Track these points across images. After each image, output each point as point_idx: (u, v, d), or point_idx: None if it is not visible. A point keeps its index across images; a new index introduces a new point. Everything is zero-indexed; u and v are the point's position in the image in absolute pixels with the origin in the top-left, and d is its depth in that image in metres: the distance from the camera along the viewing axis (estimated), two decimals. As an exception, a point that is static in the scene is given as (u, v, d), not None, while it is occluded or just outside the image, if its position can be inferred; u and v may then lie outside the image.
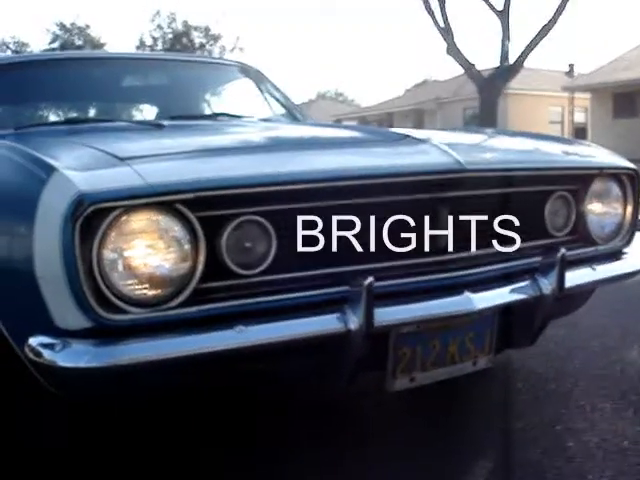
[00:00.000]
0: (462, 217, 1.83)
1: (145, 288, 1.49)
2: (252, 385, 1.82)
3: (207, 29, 34.73)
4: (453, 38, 18.31)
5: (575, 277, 1.99)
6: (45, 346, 1.46)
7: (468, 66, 18.59)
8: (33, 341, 1.48)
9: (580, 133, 24.08)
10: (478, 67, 18.85)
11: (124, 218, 1.44)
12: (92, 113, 3.30)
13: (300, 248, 1.64)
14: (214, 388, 1.76)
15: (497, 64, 18.72)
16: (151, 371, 1.49)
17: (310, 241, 1.65)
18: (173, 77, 3.36)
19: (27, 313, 1.57)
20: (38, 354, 1.47)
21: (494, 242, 1.94)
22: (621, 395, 2.46)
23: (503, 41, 18.44)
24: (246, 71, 3.55)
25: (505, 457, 2.07)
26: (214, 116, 3.05)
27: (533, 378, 2.66)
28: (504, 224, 1.98)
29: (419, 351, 1.77)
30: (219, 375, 1.62)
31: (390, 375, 1.76)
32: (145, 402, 1.88)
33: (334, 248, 1.68)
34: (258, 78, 3.50)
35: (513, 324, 1.96)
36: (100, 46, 33.93)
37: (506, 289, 1.87)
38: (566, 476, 1.89)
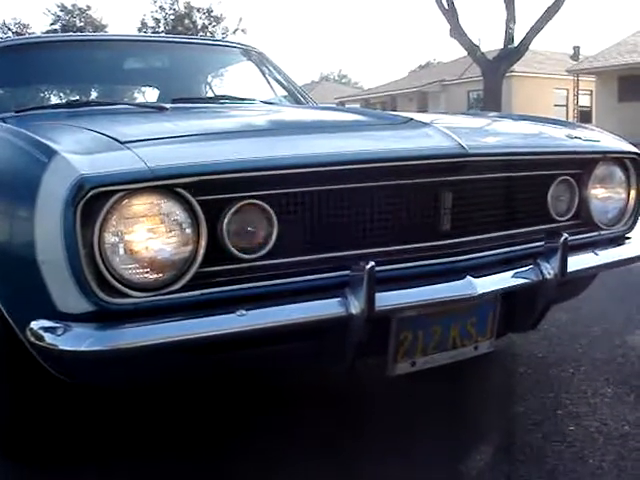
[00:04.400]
0: (464, 201, 1.83)
1: (146, 272, 1.49)
2: (253, 369, 1.83)
3: (209, 10, 34.56)
4: (457, 20, 18.17)
5: (577, 262, 1.98)
6: (47, 330, 1.46)
7: (472, 48, 18.47)
8: (35, 325, 1.48)
9: (585, 116, 23.96)
10: (482, 49, 18.72)
11: (125, 202, 1.44)
12: (93, 96, 3.30)
13: (301, 232, 1.64)
14: (214, 373, 1.77)
15: (501, 46, 18.59)
16: (152, 355, 1.49)
17: (311, 225, 1.65)
18: (175, 59, 3.34)
19: (29, 297, 1.58)
20: (40, 338, 1.47)
21: (496, 227, 1.93)
22: (623, 380, 2.46)
23: (507, 23, 18.30)
24: (249, 53, 3.52)
25: (506, 441, 2.07)
26: (216, 99, 3.03)
27: (534, 362, 2.66)
28: (507, 209, 1.98)
29: (420, 335, 1.77)
30: (220, 359, 1.62)
31: (391, 359, 1.76)
32: (146, 386, 1.89)
33: (335, 232, 1.68)
34: (261, 60, 3.47)
35: (515, 308, 1.96)
36: (101, 28, 33.78)
37: (508, 274, 1.87)
38: (567, 460, 1.90)
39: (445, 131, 1.81)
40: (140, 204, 1.46)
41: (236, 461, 1.95)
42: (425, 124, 1.89)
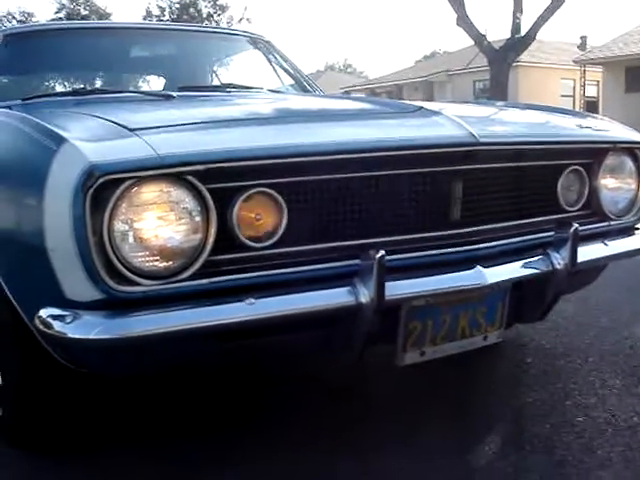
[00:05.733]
0: (475, 190, 1.81)
1: (156, 260, 1.48)
2: (260, 358, 1.82)
3: (215, -1, 34.36)
4: (464, 9, 18.04)
5: (587, 252, 1.97)
6: (55, 318, 1.46)
7: (479, 38, 18.34)
8: (43, 313, 1.48)
9: (591, 107, 23.82)
10: (489, 39, 18.61)
11: (135, 189, 1.43)
12: (99, 84, 3.28)
13: (311, 221, 1.63)
14: (222, 361, 1.76)
15: (508, 36, 18.48)
16: (162, 343, 1.49)
17: (321, 214, 1.64)
18: (181, 48, 3.33)
19: (38, 285, 1.57)
20: (48, 326, 1.47)
21: (507, 216, 1.92)
22: (631, 371, 2.45)
23: (515, 12, 18.18)
24: (255, 42, 3.51)
25: (514, 431, 2.07)
26: (223, 87, 3.02)
27: (542, 353, 2.65)
28: (517, 198, 1.96)
29: (430, 325, 1.76)
30: (228, 348, 1.61)
31: (400, 349, 1.75)
32: (154, 375, 1.89)
33: (345, 221, 1.67)
34: (267, 49, 3.46)
35: (524, 299, 1.95)
36: (106, 16, 33.68)
37: (518, 264, 1.86)
38: (575, 451, 1.89)
39: (456, 119, 1.80)
40: (150, 192, 1.45)
41: (241, 451, 1.95)
42: (435, 112, 1.88)
